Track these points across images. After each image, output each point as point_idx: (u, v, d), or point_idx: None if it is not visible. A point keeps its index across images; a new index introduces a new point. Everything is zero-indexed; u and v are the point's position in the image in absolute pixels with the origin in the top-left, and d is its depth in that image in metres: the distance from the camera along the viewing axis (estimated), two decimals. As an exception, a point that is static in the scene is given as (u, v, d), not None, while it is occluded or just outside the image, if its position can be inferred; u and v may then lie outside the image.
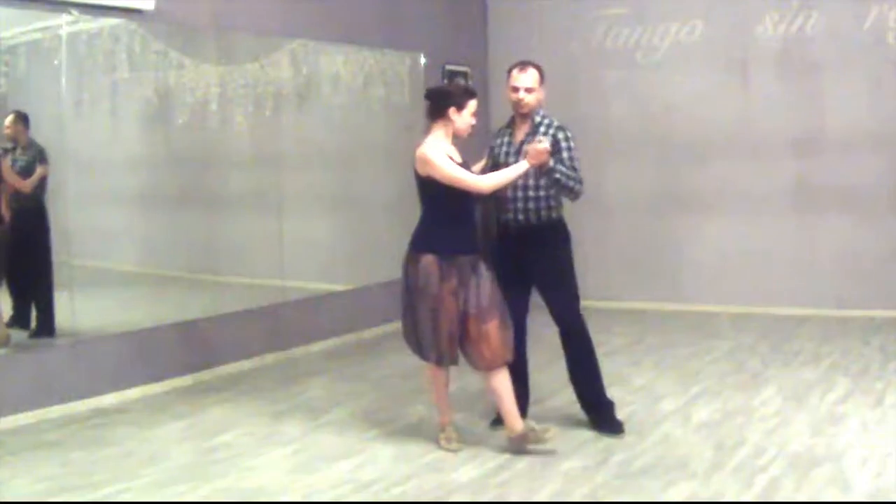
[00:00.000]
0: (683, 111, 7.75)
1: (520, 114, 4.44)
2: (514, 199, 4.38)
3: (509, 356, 4.19)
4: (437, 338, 4.13)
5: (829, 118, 7.25)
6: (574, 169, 4.30)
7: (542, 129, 4.38)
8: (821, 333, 6.66)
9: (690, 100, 7.71)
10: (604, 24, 8.03)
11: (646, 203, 7.91)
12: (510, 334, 4.20)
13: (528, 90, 4.36)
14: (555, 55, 8.12)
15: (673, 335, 6.83)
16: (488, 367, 4.16)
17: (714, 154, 7.66)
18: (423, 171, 4.11)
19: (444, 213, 4.15)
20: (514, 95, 4.40)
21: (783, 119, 7.40)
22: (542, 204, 4.38)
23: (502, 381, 4.18)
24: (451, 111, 4.14)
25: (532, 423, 4.25)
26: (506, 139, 4.49)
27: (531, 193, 4.36)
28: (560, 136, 4.33)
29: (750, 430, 4.46)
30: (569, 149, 4.33)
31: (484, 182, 4.09)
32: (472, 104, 4.18)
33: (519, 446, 4.18)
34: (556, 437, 4.20)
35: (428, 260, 4.09)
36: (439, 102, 4.18)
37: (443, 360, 4.20)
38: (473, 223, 4.28)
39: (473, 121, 4.21)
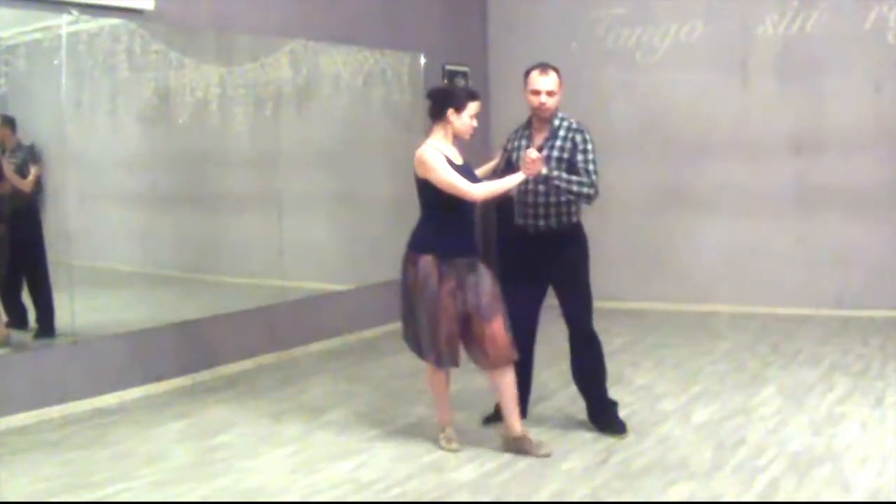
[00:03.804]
0: (683, 111, 7.74)
1: (540, 118, 4.38)
2: (535, 205, 4.36)
3: (514, 356, 4.17)
4: (435, 338, 4.12)
5: (829, 118, 7.25)
6: (588, 172, 4.27)
7: (560, 132, 4.34)
8: (821, 333, 6.66)
9: (690, 99, 7.70)
10: (604, 24, 8.02)
11: (646, 203, 7.91)
12: (511, 334, 4.19)
13: (550, 93, 4.30)
14: (555, 55, 8.09)
15: (673, 335, 6.83)
16: (492, 366, 4.16)
17: (714, 154, 7.66)
18: (420, 173, 4.10)
19: (443, 215, 4.13)
20: (534, 99, 4.32)
21: (783, 119, 7.40)
22: (563, 209, 4.36)
23: (507, 381, 4.17)
24: (450, 112, 4.12)
25: (530, 434, 4.23)
26: (523, 142, 4.43)
27: (552, 199, 4.33)
28: (578, 138, 4.30)
29: (750, 430, 4.46)
30: (585, 151, 4.29)
31: (476, 191, 4.07)
32: (472, 106, 4.15)
33: (514, 447, 4.18)
34: (550, 454, 4.15)
35: (426, 260, 4.09)
36: (439, 103, 4.17)
37: (441, 361, 4.18)
38: (472, 225, 4.27)
39: (474, 123, 4.18)
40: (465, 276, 4.12)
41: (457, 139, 4.21)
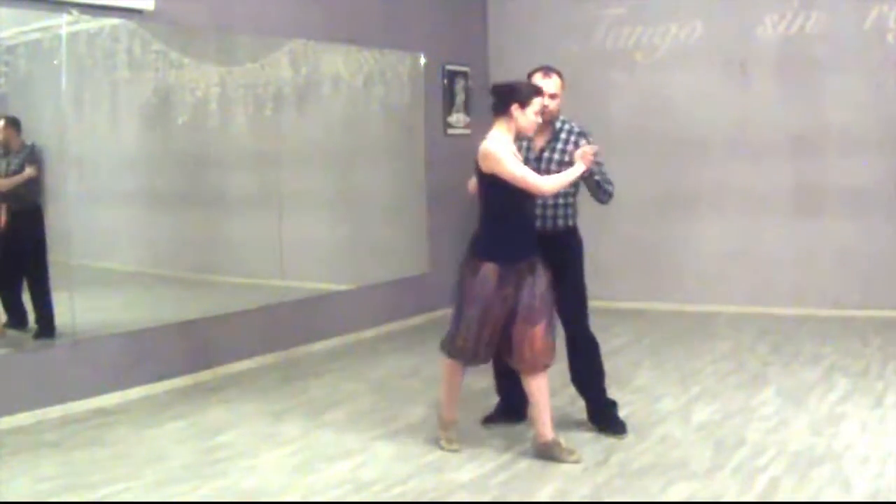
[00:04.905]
0: (683, 111, 7.74)
1: (542, 120, 4.33)
2: (534, 206, 4.35)
3: (550, 361, 4.13)
4: (478, 338, 4.07)
5: (829, 118, 7.25)
6: (602, 173, 4.31)
7: (562, 135, 4.34)
8: (821, 333, 6.66)
9: (690, 99, 7.70)
10: (604, 24, 8.02)
11: (645, 203, 7.90)
12: (553, 339, 4.13)
13: (552, 96, 4.28)
14: (555, 55, 8.11)
15: (673, 335, 6.83)
16: (528, 369, 4.10)
17: (714, 154, 7.66)
18: (485, 168, 3.97)
19: (506, 216, 4.04)
20: None
21: (783, 119, 7.40)
22: (561, 212, 4.37)
23: (540, 386, 4.11)
24: (514, 108, 4.00)
25: (561, 440, 4.17)
26: (524, 144, 4.40)
27: (549, 201, 4.32)
28: (582, 142, 4.30)
29: (750, 430, 4.46)
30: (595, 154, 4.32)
31: (546, 184, 3.98)
32: (537, 102, 4.04)
33: (544, 453, 4.12)
34: (580, 461, 4.07)
35: (488, 268, 4.01)
36: (503, 98, 4.04)
37: (473, 362, 4.17)
38: (534, 225, 4.21)
39: (539, 119, 4.08)
40: (524, 276, 4.04)
41: (518, 136, 4.12)
